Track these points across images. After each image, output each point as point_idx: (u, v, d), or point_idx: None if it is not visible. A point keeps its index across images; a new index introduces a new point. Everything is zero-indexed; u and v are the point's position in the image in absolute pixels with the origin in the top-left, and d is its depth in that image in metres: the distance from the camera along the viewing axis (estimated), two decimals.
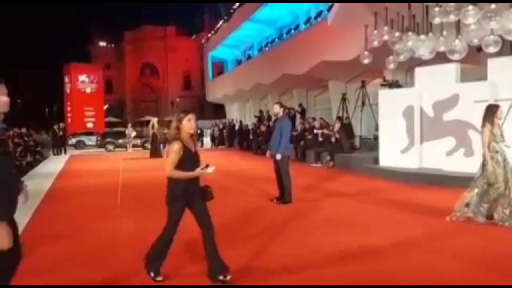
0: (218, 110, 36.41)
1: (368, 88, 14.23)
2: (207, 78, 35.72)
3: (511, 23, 6.84)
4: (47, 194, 8.22)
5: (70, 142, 25.59)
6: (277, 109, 6.81)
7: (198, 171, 3.24)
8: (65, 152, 20.13)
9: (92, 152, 21.88)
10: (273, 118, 17.44)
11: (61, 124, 20.90)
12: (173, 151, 3.22)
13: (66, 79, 32.07)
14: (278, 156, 6.53)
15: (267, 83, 20.88)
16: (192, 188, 3.29)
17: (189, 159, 3.25)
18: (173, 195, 3.28)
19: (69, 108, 31.82)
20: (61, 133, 20.20)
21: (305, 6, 19.32)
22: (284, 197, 6.57)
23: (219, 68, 35.11)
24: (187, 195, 3.27)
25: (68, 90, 32.03)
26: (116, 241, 4.72)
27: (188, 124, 3.27)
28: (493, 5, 7.01)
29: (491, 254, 4.00)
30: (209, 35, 32.17)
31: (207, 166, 3.24)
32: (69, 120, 30.74)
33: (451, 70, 8.58)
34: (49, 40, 48.17)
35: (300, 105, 18.08)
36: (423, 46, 8.82)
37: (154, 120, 17.34)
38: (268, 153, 6.96)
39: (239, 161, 14.81)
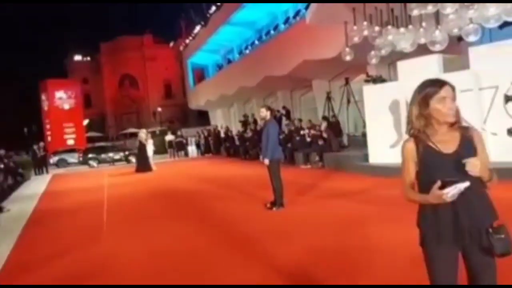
0: (202, 117, 36.08)
1: (352, 85, 14.23)
2: (188, 85, 35.40)
3: (489, 10, 6.85)
4: (31, 217, 7.96)
5: (51, 161, 24.95)
6: (263, 113, 6.58)
7: (434, 193, 1.78)
8: (47, 172, 19.58)
9: (75, 170, 21.33)
10: (259, 122, 17.33)
11: (41, 144, 20.32)
12: (403, 157, 1.97)
13: (43, 97, 31.34)
14: (266, 161, 6.40)
15: (250, 86, 20.74)
16: (463, 223, 1.83)
17: (437, 168, 1.86)
18: (424, 233, 1.94)
19: (48, 126, 31.08)
20: (42, 152, 19.62)
21: (283, 6, 19.28)
22: (275, 201, 6.39)
23: (200, 74, 34.84)
24: (456, 235, 1.85)
25: (45, 108, 31.30)
26: (106, 266, 4.46)
27: (443, 107, 1.88)
28: None
29: None
30: (187, 41, 31.87)
31: (451, 182, 1.74)
32: (49, 138, 30.01)
33: (433, 61, 8.55)
34: (22, 58, 47.02)
35: (284, 107, 17.99)
36: (403, 39, 8.82)
37: (142, 132, 16.16)
38: (261, 158, 6.76)
39: (227, 168, 14.59)
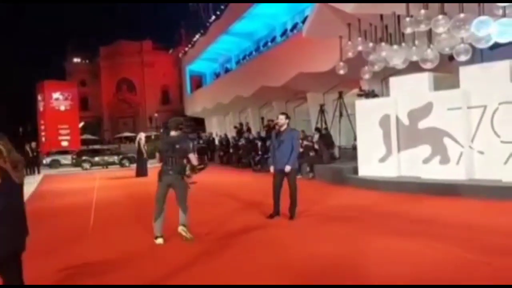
0: (198, 124, 36.13)
1: (346, 99, 14.37)
2: (186, 92, 35.53)
3: (480, 31, 6.99)
4: None
5: (44, 161, 24.84)
6: (282, 120, 6.23)
7: None
8: (38, 172, 19.45)
9: (67, 172, 21.23)
10: (254, 132, 17.37)
11: (33, 144, 20.21)
12: None
13: (40, 97, 31.32)
14: (288, 168, 6.11)
15: (246, 95, 20.88)
16: None
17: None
18: None
19: (43, 127, 31.00)
20: (33, 153, 19.50)
21: (282, 18, 19.55)
22: (293, 212, 6.21)
23: (198, 82, 35.02)
24: None
25: (41, 108, 31.25)
26: (91, 268, 4.44)
27: None
28: (462, 14, 7.16)
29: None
30: (186, 48, 32.11)
31: None
32: (43, 139, 29.91)
33: (424, 78, 8.70)
34: (22, 58, 47.06)
35: None
36: (396, 56, 8.94)
37: (142, 136, 15.42)
38: (272, 168, 6.35)
39: (218, 176, 14.57)
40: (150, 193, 10.26)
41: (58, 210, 8.46)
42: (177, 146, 5.12)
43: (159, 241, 5.06)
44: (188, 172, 5.39)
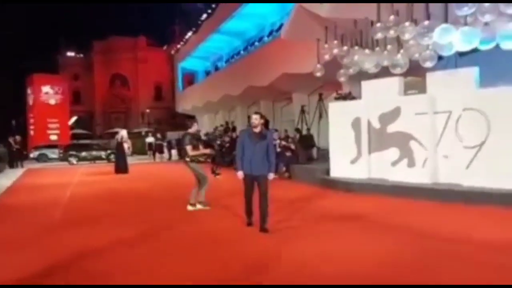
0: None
1: (329, 101, 14.48)
2: (178, 89, 35.54)
3: (442, 39, 7.14)
4: None
5: (32, 155, 24.88)
6: (257, 121, 5.59)
7: None
8: (21, 166, 19.46)
9: (52, 166, 21.23)
10: (238, 130, 17.42)
11: (17, 137, 20.18)
12: None
13: (29, 91, 31.24)
14: (271, 176, 5.62)
15: (234, 94, 20.98)
16: None
17: None
18: None
19: (32, 120, 30.92)
20: (17, 146, 19.49)
21: (271, 18, 19.66)
22: (264, 223, 5.49)
23: (190, 79, 35.03)
24: None
25: (31, 102, 31.18)
26: (58, 262, 4.45)
27: None
28: (426, 22, 7.31)
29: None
30: (178, 46, 32.14)
31: None
32: (32, 132, 29.86)
33: (394, 83, 8.85)
34: (14, 51, 46.74)
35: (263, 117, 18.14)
36: (367, 60, 9.09)
37: (124, 133, 15.37)
38: (241, 173, 5.62)
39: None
40: (123, 190, 10.39)
41: (29, 205, 8.51)
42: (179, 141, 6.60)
43: (189, 207, 6.96)
44: (187, 159, 7.02)
